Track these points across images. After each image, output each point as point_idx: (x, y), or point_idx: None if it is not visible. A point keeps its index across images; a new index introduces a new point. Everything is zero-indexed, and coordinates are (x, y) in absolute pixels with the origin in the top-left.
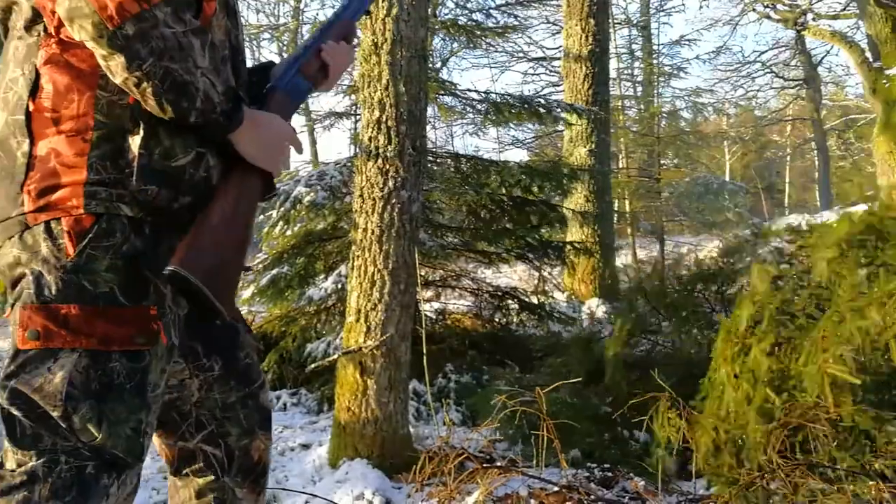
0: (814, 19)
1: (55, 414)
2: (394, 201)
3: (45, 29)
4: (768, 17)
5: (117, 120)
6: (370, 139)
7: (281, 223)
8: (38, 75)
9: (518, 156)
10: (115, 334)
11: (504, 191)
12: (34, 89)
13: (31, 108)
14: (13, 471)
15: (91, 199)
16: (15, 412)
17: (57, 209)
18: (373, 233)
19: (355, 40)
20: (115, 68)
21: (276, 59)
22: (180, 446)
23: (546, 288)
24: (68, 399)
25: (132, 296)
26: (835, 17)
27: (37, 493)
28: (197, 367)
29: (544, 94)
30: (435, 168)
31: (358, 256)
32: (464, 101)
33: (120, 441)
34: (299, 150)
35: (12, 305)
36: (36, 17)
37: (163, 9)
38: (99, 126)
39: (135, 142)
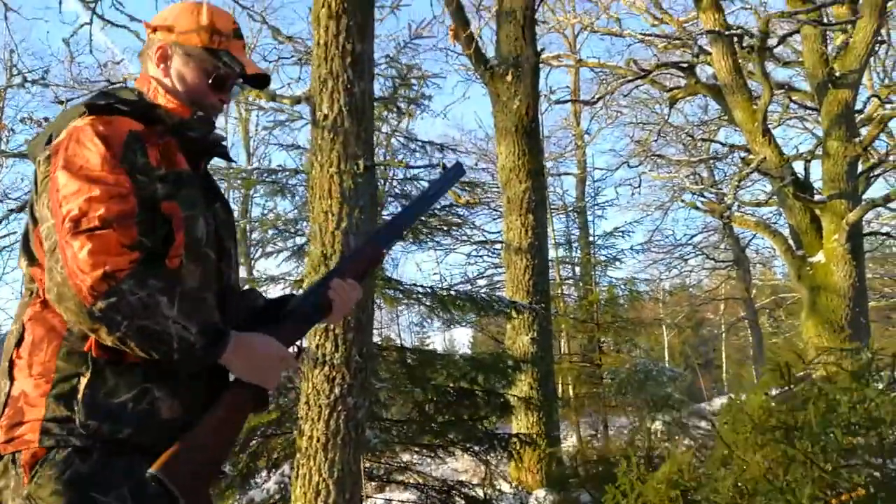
0: (738, 208)
1: None
2: (340, 408)
3: (36, 291)
4: (696, 207)
5: (73, 365)
6: (317, 346)
7: None
8: (24, 329)
9: (464, 333)
10: None
11: (450, 383)
12: (20, 341)
13: (14, 356)
14: None
15: (45, 435)
16: None
17: (18, 441)
18: (318, 440)
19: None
20: (101, 335)
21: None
22: None
23: (493, 479)
24: None
25: None
26: (758, 205)
27: None
28: None
29: (487, 275)
30: (381, 361)
31: (303, 465)
32: (409, 295)
33: None
34: (292, 368)
35: None
36: (31, 281)
37: (127, 282)
38: (59, 370)
39: (83, 383)
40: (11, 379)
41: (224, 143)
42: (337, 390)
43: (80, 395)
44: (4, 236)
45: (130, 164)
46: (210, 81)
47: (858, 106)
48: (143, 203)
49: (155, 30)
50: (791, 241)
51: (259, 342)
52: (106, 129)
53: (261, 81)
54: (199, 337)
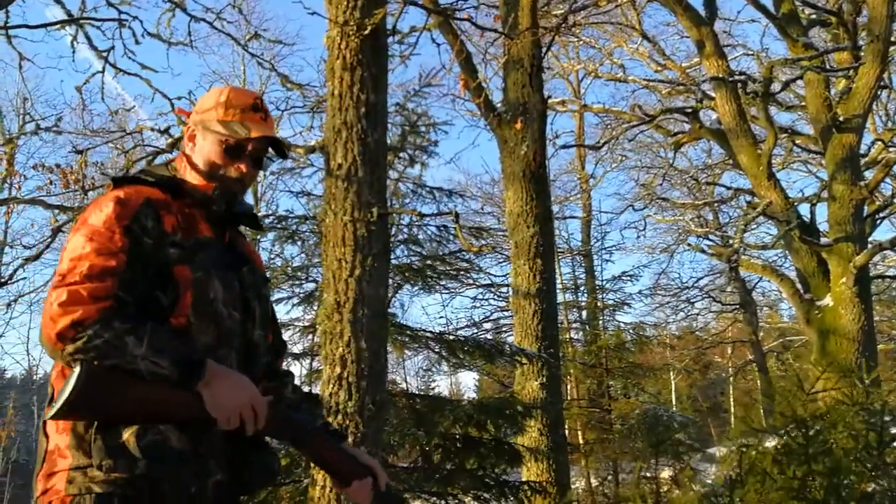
0: (744, 251)
1: None
2: None
3: None
4: (702, 251)
5: None
6: (331, 395)
7: None
8: (51, 388)
9: (470, 377)
10: None
11: (458, 429)
12: (50, 399)
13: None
14: None
15: (70, 484)
16: None
17: (51, 492)
18: (331, 490)
19: None
20: None
21: None
22: None
23: None
24: None
25: None
26: (764, 248)
27: None
28: None
29: (494, 318)
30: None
31: None
32: (418, 340)
33: None
34: (255, 426)
35: None
36: None
37: (93, 327)
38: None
39: (93, 428)
40: (47, 436)
41: (251, 213)
42: (350, 439)
43: (92, 440)
44: (14, 282)
45: (140, 226)
46: (224, 150)
47: (862, 149)
48: (152, 264)
49: (188, 115)
50: (798, 285)
51: (235, 379)
52: (124, 194)
53: (278, 148)
54: (172, 369)
